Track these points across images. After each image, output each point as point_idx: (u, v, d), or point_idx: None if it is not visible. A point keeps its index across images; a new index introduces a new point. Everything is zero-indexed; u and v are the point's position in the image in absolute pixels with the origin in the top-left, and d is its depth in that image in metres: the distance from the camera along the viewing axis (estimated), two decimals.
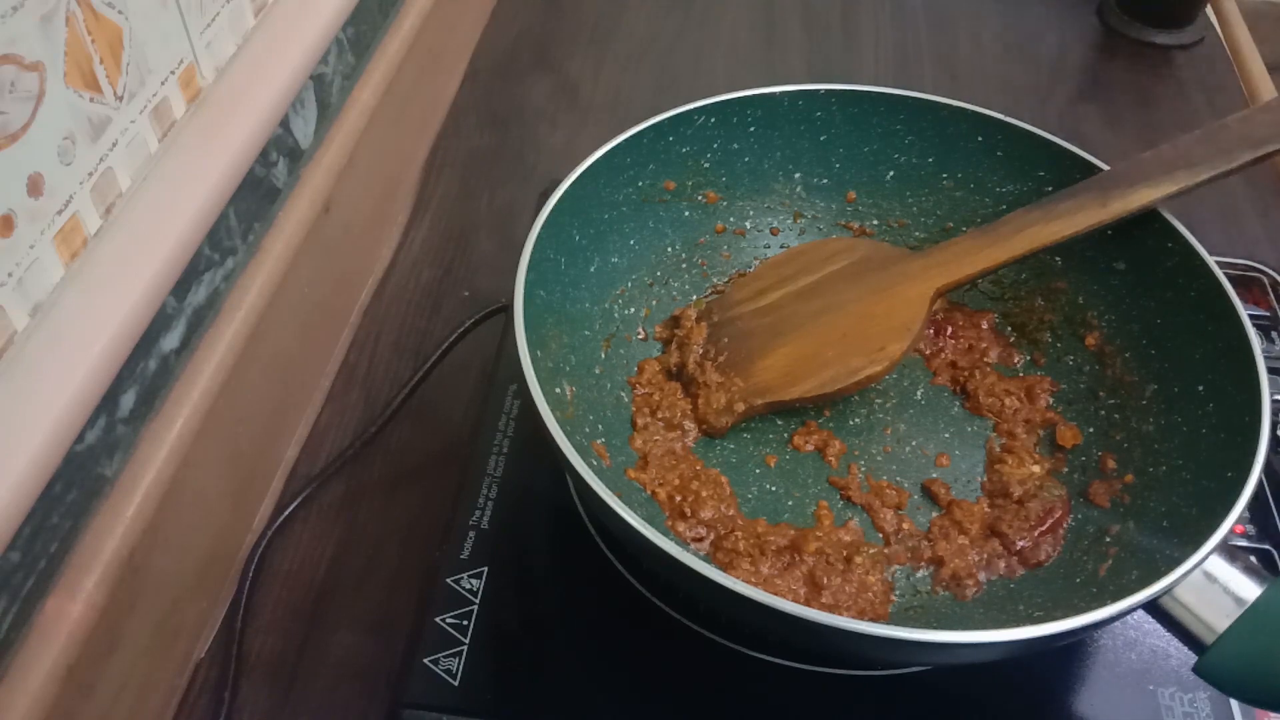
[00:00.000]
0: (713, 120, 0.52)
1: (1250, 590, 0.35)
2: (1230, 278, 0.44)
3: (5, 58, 0.32)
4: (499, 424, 0.51)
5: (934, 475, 0.47)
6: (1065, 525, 0.44)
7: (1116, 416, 0.47)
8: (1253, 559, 0.37)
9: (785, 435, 0.49)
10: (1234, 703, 0.42)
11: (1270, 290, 0.59)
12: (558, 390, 0.44)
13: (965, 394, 0.51)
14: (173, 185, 0.41)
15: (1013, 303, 0.53)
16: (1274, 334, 0.56)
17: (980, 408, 0.50)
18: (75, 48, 0.36)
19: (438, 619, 0.43)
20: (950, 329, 0.52)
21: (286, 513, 0.51)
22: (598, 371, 0.49)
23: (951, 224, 0.54)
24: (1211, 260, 0.44)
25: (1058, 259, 0.51)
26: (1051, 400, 0.49)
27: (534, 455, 0.49)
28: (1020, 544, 0.44)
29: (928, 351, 0.52)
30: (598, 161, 0.48)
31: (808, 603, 0.42)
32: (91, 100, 0.37)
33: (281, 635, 0.47)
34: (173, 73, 0.42)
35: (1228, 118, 0.47)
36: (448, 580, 0.44)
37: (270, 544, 0.50)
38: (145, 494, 0.40)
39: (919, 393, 0.51)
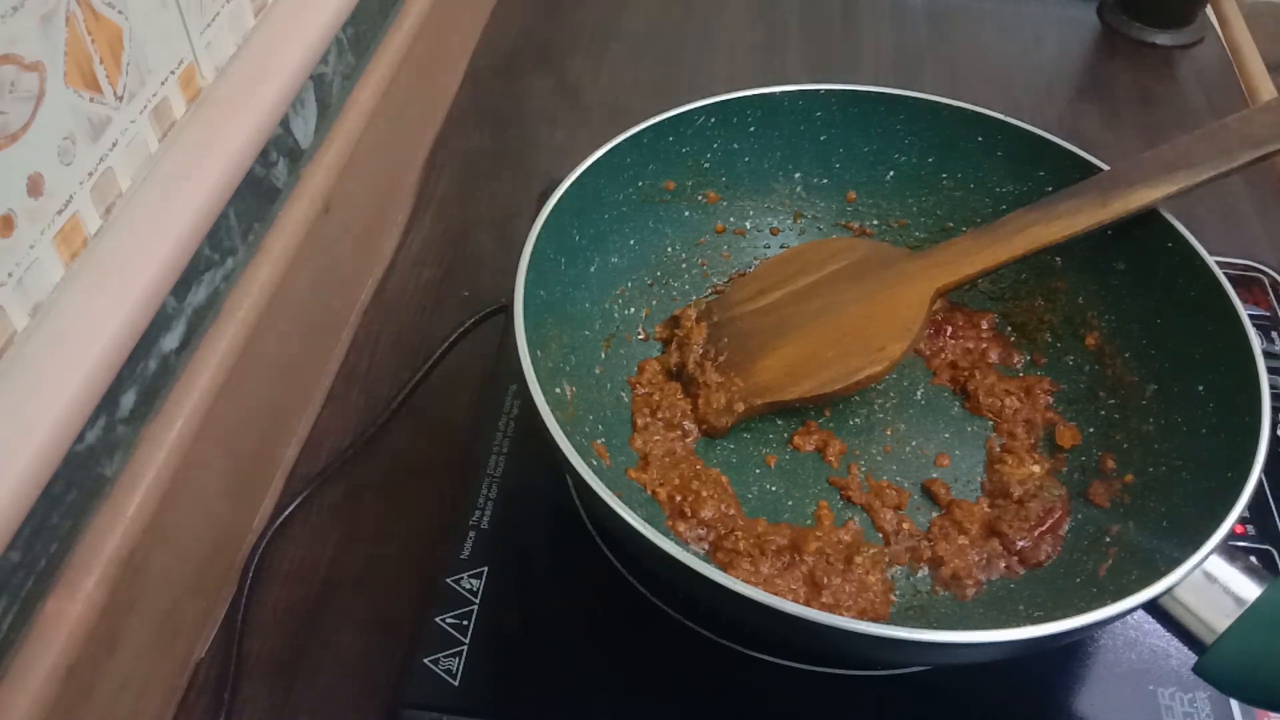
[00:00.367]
0: (713, 120, 0.52)
1: (1250, 590, 0.35)
2: (1230, 278, 0.44)
3: (5, 58, 0.32)
4: (499, 424, 0.51)
5: (934, 475, 0.48)
6: (1065, 525, 0.44)
7: (1116, 416, 0.47)
8: (1253, 559, 0.37)
9: (785, 435, 0.49)
10: (1234, 703, 0.42)
11: (1270, 290, 0.59)
12: (558, 390, 0.44)
13: (965, 394, 0.51)
14: (173, 185, 0.41)
15: (1013, 303, 0.53)
16: (1274, 334, 0.56)
17: (980, 408, 0.50)
18: (75, 48, 0.36)
19: (438, 619, 0.43)
20: (950, 329, 0.52)
21: (286, 513, 0.51)
22: (598, 371, 0.49)
23: (951, 224, 0.54)
24: (1211, 260, 0.44)
25: (1058, 259, 0.51)
26: (1051, 400, 0.49)
27: (534, 455, 0.49)
28: (1020, 544, 0.44)
29: (928, 352, 0.52)
30: (598, 161, 0.48)
31: (808, 603, 0.42)
32: (91, 100, 0.37)
33: (281, 635, 0.47)
34: (173, 73, 0.42)
35: (1228, 118, 0.47)
36: (448, 580, 0.44)
37: (270, 544, 0.50)
38: (145, 494, 0.40)
39: (919, 393, 0.51)
